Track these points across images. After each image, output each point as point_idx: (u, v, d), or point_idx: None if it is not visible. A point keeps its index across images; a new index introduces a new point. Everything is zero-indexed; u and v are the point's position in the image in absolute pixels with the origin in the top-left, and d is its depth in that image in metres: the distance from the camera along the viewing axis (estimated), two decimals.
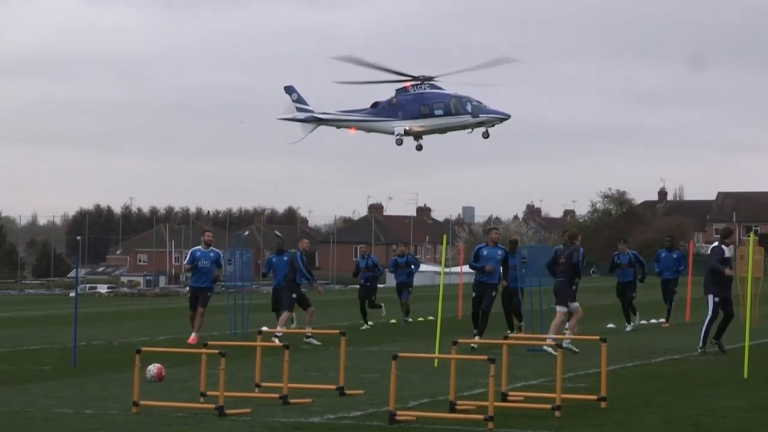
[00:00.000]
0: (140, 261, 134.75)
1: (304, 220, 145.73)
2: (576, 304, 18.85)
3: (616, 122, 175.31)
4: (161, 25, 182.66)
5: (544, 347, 18.24)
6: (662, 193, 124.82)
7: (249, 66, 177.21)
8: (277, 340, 20.59)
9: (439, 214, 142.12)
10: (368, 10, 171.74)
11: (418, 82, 41.10)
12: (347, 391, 13.28)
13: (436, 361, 16.28)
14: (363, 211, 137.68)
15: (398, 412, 11.29)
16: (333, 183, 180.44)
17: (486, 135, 40.62)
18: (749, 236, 17.39)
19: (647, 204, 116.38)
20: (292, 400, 12.63)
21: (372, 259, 27.08)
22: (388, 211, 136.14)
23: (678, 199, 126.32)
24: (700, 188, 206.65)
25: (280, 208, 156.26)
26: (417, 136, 41.32)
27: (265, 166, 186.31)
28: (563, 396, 11.83)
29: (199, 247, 21.14)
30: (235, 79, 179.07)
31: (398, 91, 41.55)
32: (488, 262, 19.32)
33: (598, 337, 13.11)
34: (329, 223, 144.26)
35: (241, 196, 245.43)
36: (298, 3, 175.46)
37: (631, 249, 26.29)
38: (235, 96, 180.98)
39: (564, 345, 18.35)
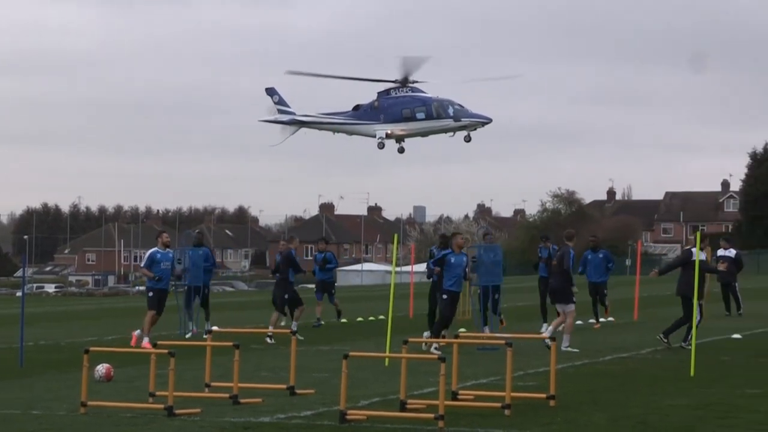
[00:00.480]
0: (89, 260, 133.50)
1: (255, 220, 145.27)
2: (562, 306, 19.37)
3: (566, 122, 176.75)
4: (110, 23, 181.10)
5: (563, 348, 18.46)
6: (611, 193, 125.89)
7: (200, 65, 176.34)
8: (269, 340, 21.35)
9: (390, 214, 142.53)
10: (323, 10, 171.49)
11: (399, 85, 41.16)
12: (298, 391, 13.26)
13: (386, 360, 16.30)
14: (314, 211, 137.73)
15: (349, 412, 11.30)
16: (284, 182, 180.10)
17: (468, 139, 40.78)
18: (695, 235, 17.64)
19: (596, 203, 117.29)
20: (242, 400, 12.59)
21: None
22: (339, 210, 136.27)
23: (626, 198, 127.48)
24: (648, 188, 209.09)
25: (231, 208, 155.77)
26: (399, 139, 41.39)
27: (215, 165, 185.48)
28: (513, 394, 11.90)
29: (157, 248, 20.82)
30: (186, 78, 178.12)
31: (380, 94, 41.54)
32: (457, 269, 19.10)
33: (547, 336, 13.21)
34: (280, 223, 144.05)
35: (191, 195, 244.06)
36: (250, 1, 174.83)
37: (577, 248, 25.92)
38: (185, 94, 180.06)
39: (563, 348, 18.76)
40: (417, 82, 41.27)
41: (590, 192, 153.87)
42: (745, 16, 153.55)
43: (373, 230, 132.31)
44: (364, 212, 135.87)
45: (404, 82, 41.05)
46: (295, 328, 21.62)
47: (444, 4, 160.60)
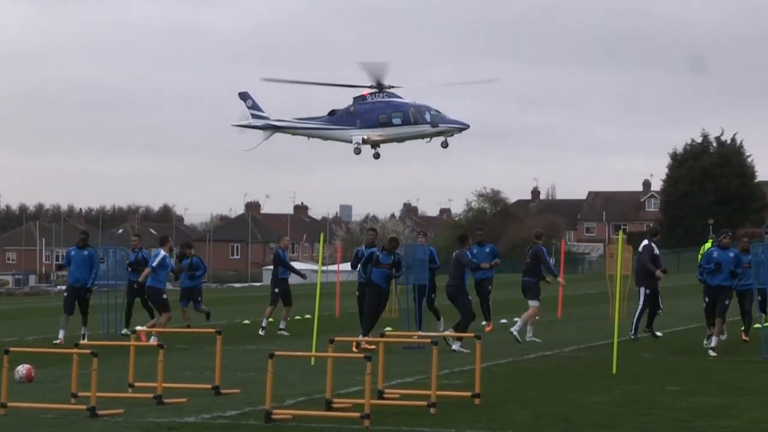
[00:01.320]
0: (9, 259, 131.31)
1: (180, 218, 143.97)
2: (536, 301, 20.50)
3: (491, 122, 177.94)
4: (33, 16, 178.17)
5: (529, 337, 20.12)
6: (535, 192, 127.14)
7: (122, 61, 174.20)
8: (261, 331, 23.06)
9: (316, 212, 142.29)
10: (244, 7, 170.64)
11: (376, 91, 41.04)
12: (223, 391, 13.19)
13: (312, 359, 16.27)
14: (240, 209, 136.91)
15: (274, 411, 11.26)
16: (209, 180, 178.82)
17: (445, 145, 40.72)
18: (618, 235, 18.02)
19: (521, 203, 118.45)
20: (166, 400, 12.48)
21: (143, 254, 23.56)
22: (266, 209, 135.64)
23: (550, 198, 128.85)
24: (572, 188, 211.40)
25: (155, 206, 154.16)
26: (375, 144, 41.28)
27: (139, 163, 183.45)
28: (438, 393, 11.97)
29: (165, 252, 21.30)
30: (106, 74, 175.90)
31: (356, 99, 41.38)
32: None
33: (473, 335, 13.30)
34: (205, 221, 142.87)
35: (114, 193, 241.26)
36: None
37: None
38: (108, 91, 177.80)
39: (528, 338, 20.30)
40: (393, 87, 41.25)
41: (515, 191, 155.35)
42: (671, 20, 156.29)
43: (299, 229, 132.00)
44: (290, 211, 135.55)
45: (381, 88, 41.04)
46: (282, 326, 23.06)
47: (362, 3, 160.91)
